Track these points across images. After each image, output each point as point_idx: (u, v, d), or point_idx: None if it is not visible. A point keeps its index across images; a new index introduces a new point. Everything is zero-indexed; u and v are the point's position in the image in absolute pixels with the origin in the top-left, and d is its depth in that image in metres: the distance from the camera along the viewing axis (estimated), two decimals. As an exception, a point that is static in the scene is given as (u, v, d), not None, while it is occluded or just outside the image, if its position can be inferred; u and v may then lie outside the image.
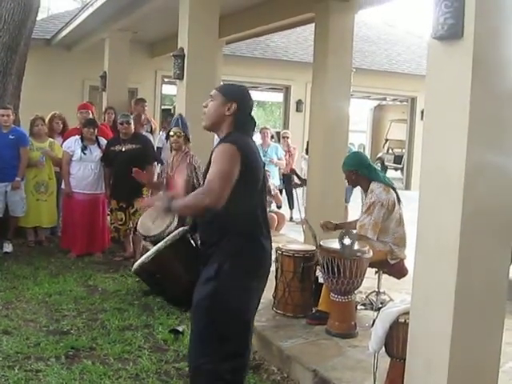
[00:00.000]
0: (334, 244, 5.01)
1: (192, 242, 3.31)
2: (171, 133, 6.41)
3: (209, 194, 3.05)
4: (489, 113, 3.13)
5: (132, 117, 8.30)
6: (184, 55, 6.95)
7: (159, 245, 3.25)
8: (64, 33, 12.34)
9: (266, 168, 8.40)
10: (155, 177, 7.91)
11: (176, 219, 5.86)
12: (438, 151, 3.27)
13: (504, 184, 3.27)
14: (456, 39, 3.07)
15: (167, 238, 3.26)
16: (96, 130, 7.96)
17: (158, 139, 9.50)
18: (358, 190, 7.81)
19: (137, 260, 7.54)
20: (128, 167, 7.39)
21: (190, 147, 6.50)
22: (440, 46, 3.18)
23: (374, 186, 5.45)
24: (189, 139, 6.49)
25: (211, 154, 3.24)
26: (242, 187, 3.16)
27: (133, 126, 7.84)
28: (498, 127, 3.18)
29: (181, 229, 3.35)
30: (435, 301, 3.25)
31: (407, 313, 3.53)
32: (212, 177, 3.10)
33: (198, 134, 6.86)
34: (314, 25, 8.01)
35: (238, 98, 3.35)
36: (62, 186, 8.06)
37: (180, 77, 7.03)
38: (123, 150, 7.63)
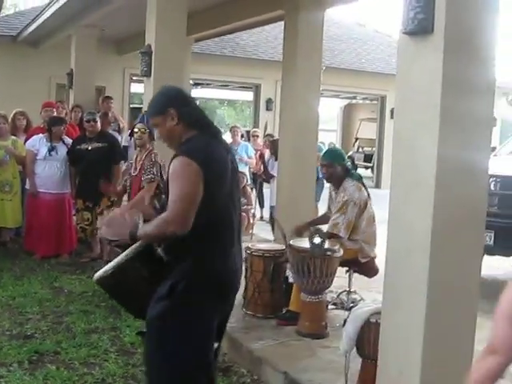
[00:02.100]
0: (304, 243, 4.95)
1: (158, 253, 3.14)
2: (135, 129, 6.28)
3: (172, 221, 2.82)
4: (460, 109, 3.09)
5: (99, 115, 8.17)
6: (151, 52, 6.84)
7: (119, 258, 3.10)
8: (30, 29, 12.13)
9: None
10: (121, 176, 7.83)
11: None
12: (408, 149, 3.22)
13: (475, 181, 3.23)
14: (426, 34, 3.02)
15: (128, 250, 3.09)
16: (65, 128, 7.83)
17: (124, 138, 9.34)
18: (326, 189, 7.80)
19: (103, 263, 7.45)
20: (95, 166, 7.31)
21: (153, 145, 6.36)
22: (410, 41, 3.13)
23: (346, 184, 5.41)
24: (153, 137, 6.37)
25: (169, 166, 3.00)
26: (206, 200, 2.90)
27: (99, 125, 7.70)
28: (469, 123, 3.14)
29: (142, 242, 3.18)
30: (407, 300, 3.20)
31: (378, 312, 3.49)
32: (174, 200, 2.87)
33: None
34: (274, 22, 7.96)
35: (170, 103, 3.09)
36: (27, 186, 7.88)
37: (147, 74, 6.92)
38: (89, 148, 7.49)
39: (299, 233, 5.60)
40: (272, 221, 8.42)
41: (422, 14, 2.99)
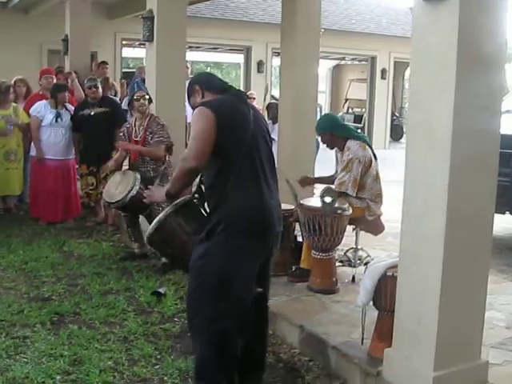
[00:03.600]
0: (315, 202, 5.09)
1: (199, 207, 3.37)
2: (135, 96, 6.30)
3: (188, 158, 3.18)
4: (474, 73, 3.20)
5: (100, 80, 8.20)
6: (153, 17, 6.86)
7: (160, 215, 3.33)
8: (22, -5, 11.99)
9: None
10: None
11: (137, 184, 5.89)
12: (424, 112, 3.33)
13: (488, 142, 3.38)
14: (442, 0, 3.11)
15: (167, 207, 3.33)
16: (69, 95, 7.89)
17: (124, 101, 9.37)
18: (323, 150, 7.91)
19: (108, 226, 7.62)
20: (98, 131, 7.41)
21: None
22: (426, 6, 3.22)
23: (350, 143, 5.53)
24: (151, 101, 6.47)
25: None
26: (227, 147, 3.22)
27: (101, 90, 7.76)
28: (484, 87, 3.26)
29: (185, 197, 3.40)
30: (423, 254, 3.34)
31: (395, 266, 3.64)
32: (190, 141, 3.24)
33: (168, 96, 6.90)
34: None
35: (193, 82, 3.60)
36: (31, 153, 7.94)
37: (150, 39, 6.95)
38: (92, 113, 7.56)
39: (304, 183, 5.78)
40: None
41: (439, -21, 3.08)
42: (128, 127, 6.43)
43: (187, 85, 3.65)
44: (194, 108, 3.41)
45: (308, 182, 5.92)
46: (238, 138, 3.27)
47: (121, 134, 6.53)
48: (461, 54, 3.11)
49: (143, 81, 8.51)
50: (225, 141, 3.21)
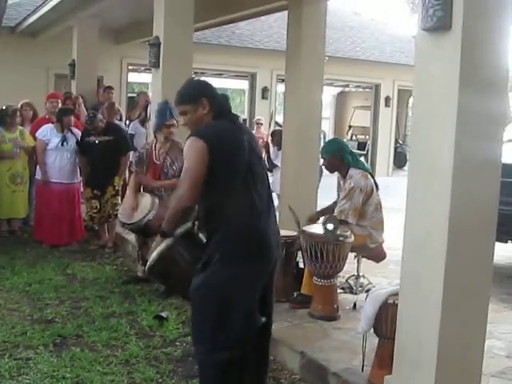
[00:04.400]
0: (317, 229, 5.13)
1: (199, 238, 3.40)
2: (168, 123, 6.20)
3: (181, 197, 3.24)
4: (476, 104, 3.25)
5: (105, 106, 8.30)
6: (159, 43, 6.94)
7: (161, 247, 3.37)
8: (30, 20, 12.11)
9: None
10: (127, 165, 8.00)
11: (155, 208, 5.92)
12: (426, 141, 3.38)
13: (489, 172, 3.42)
14: (445, 31, 3.18)
15: (169, 239, 3.37)
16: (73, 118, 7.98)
17: (131, 127, 9.46)
18: (325, 177, 7.96)
19: (107, 250, 7.63)
20: (102, 158, 7.54)
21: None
22: (428, 37, 3.29)
23: (352, 171, 5.59)
24: None
25: None
26: (222, 175, 3.23)
27: (99, 122, 7.70)
28: (484, 117, 3.31)
29: (185, 225, 3.43)
30: (424, 281, 3.37)
31: (396, 294, 3.67)
32: (182, 177, 3.28)
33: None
34: (277, 11, 7.99)
35: (202, 92, 3.42)
36: (37, 176, 8.01)
37: (156, 65, 7.02)
38: (97, 142, 7.67)
39: (312, 221, 5.81)
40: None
41: (441, 11, 3.14)
42: (147, 149, 6.45)
43: (186, 88, 3.51)
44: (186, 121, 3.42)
45: (314, 219, 5.93)
46: (232, 167, 3.27)
47: (138, 156, 6.55)
48: (463, 84, 3.16)
49: (146, 106, 8.61)
50: (218, 170, 3.22)
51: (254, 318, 3.33)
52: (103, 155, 7.52)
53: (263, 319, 3.42)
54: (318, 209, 6.60)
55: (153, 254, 3.39)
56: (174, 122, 6.15)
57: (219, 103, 3.43)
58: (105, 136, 7.65)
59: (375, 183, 5.67)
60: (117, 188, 7.73)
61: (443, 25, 3.17)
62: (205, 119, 3.40)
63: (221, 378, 3.27)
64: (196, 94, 3.42)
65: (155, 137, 6.40)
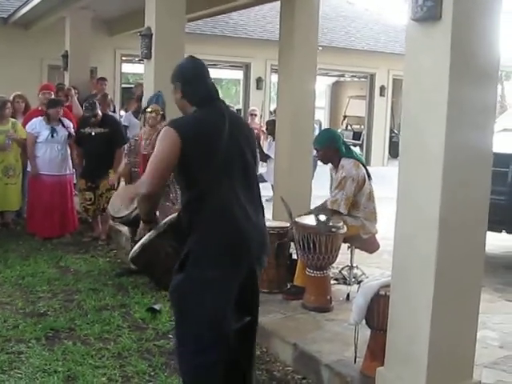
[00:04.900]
0: (309, 220, 5.11)
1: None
2: (149, 109, 6.30)
3: (142, 183, 3.15)
4: (466, 93, 3.23)
5: (97, 98, 8.26)
6: (151, 34, 6.90)
7: (144, 239, 3.34)
8: (22, 11, 12.04)
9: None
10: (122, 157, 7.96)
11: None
12: (416, 131, 3.37)
13: (480, 161, 3.40)
14: (435, 21, 3.16)
15: (152, 231, 3.33)
16: (62, 110, 7.92)
17: (123, 118, 9.43)
18: (321, 167, 7.93)
19: (100, 242, 7.58)
20: (97, 150, 7.51)
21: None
22: (419, 27, 3.28)
23: (344, 161, 5.57)
24: (164, 118, 6.49)
25: None
26: (196, 169, 3.11)
27: (99, 114, 7.69)
28: (475, 106, 3.29)
29: (168, 218, 3.40)
30: (415, 273, 3.36)
31: (388, 286, 3.65)
32: (149, 163, 3.15)
33: (166, 113, 6.91)
34: (270, 1, 7.91)
35: (177, 77, 3.31)
36: (28, 169, 7.97)
37: (148, 56, 6.99)
38: (93, 134, 7.63)
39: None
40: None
41: (431, 1, 3.12)
42: (137, 140, 6.43)
43: (175, 67, 3.39)
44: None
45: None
46: (207, 161, 3.12)
47: (129, 146, 6.54)
48: (453, 74, 3.15)
49: (140, 97, 8.56)
50: (193, 164, 3.11)
51: (227, 320, 3.18)
52: (98, 147, 7.49)
53: (247, 318, 3.36)
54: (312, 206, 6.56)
55: (136, 246, 3.38)
56: (157, 108, 6.14)
57: (196, 93, 3.26)
58: (100, 128, 7.62)
59: (367, 173, 5.65)
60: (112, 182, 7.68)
61: (433, 15, 3.14)
62: (181, 103, 3.30)
63: (204, 378, 3.20)
64: (173, 75, 3.35)
65: (143, 125, 6.40)
